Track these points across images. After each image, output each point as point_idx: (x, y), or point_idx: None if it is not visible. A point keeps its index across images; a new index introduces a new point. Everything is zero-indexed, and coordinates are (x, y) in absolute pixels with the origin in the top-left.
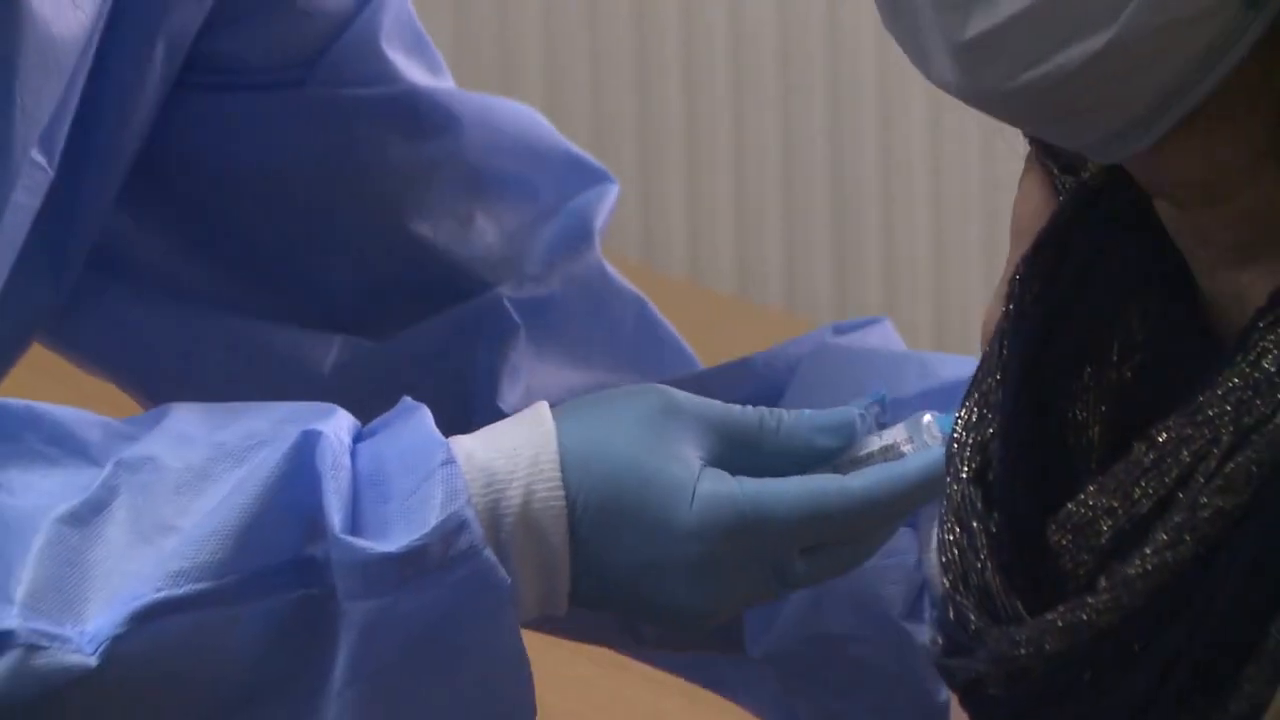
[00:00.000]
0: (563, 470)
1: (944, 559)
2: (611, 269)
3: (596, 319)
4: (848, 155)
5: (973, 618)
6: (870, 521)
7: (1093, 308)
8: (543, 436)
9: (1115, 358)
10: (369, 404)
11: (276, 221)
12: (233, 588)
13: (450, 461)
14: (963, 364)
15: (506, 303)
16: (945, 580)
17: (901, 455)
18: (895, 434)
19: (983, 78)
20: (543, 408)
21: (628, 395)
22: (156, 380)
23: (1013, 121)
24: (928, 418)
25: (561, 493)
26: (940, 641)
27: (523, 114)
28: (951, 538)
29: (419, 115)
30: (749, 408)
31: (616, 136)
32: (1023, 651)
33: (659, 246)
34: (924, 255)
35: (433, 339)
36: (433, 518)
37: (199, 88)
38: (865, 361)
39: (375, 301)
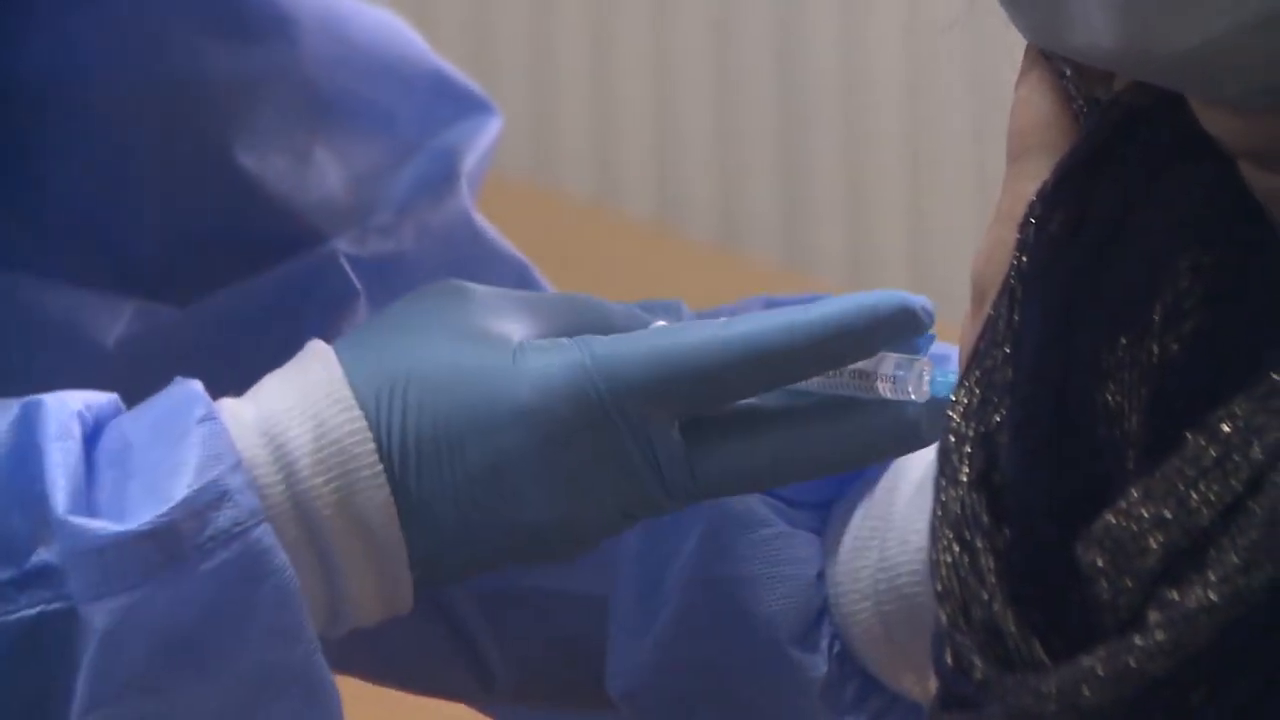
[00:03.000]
0: (357, 396)
1: (939, 587)
2: (486, 224)
3: None
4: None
5: (977, 662)
6: (757, 378)
7: (1131, 260)
8: (323, 370)
9: (1159, 325)
10: (164, 385)
11: (69, 151)
12: None
13: (210, 418)
14: None
15: (343, 261)
16: (942, 614)
17: (873, 389)
18: (872, 360)
19: (1159, 36)
20: (316, 344)
21: (410, 296)
22: None
23: (1159, 81)
24: (926, 363)
25: (362, 422)
26: (936, 691)
27: (382, 23)
28: (949, 559)
29: (243, 15)
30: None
31: (502, 58)
32: (1052, 707)
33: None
34: (895, 173)
35: (247, 305)
36: (181, 487)
37: None
38: None
39: (183, 255)
